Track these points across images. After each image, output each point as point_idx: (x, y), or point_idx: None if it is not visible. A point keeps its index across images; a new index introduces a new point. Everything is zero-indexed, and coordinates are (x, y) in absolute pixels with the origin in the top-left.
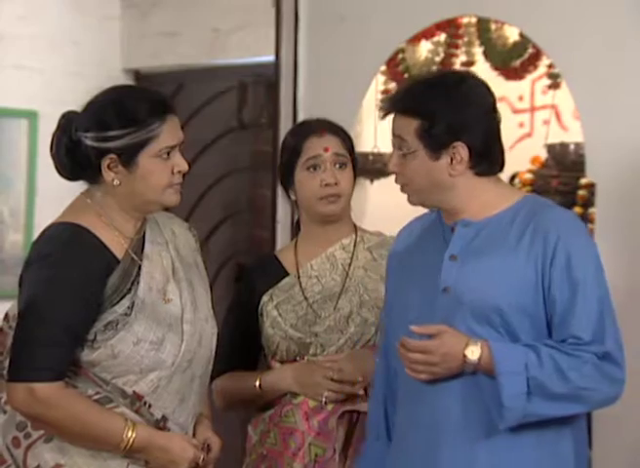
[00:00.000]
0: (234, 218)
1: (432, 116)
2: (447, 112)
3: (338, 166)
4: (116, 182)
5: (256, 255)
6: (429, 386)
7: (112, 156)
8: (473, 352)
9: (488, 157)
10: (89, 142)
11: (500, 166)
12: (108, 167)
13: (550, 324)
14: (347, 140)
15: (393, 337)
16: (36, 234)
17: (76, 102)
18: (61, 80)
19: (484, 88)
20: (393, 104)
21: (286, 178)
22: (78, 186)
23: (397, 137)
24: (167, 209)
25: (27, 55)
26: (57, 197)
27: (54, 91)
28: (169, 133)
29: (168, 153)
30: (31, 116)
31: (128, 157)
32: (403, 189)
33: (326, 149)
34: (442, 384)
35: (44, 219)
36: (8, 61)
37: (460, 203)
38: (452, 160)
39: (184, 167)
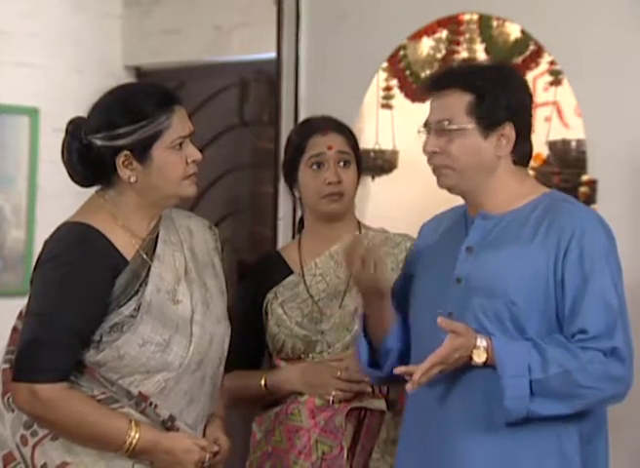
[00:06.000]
0: (235, 216)
1: (486, 92)
2: (500, 90)
3: (341, 164)
4: (132, 179)
5: (259, 253)
6: (436, 379)
7: (126, 153)
8: (480, 355)
9: (527, 145)
10: (99, 143)
11: (528, 160)
12: (123, 164)
13: (561, 319)
14: (352, 138)
15: (415, 323)
16: (38, 231)
17: (77, 100)
18: (63, 77)
19: (526, 82)
20: (446, 79)
21: (290, 176)
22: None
23: (442, 115)
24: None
25: (29, 52)
26: (58, 194)
27: (55, 88)
28: (179, 123)
29: (180, 144)
30: (32, 113)
31: (141, 152)
32: (439, 171)
33: (330, 147)
34: (448, 378)
35: (45, 216)
36: (9, 58)
37: (489, 190)
38: (499, 140)
39: (198, 156)
